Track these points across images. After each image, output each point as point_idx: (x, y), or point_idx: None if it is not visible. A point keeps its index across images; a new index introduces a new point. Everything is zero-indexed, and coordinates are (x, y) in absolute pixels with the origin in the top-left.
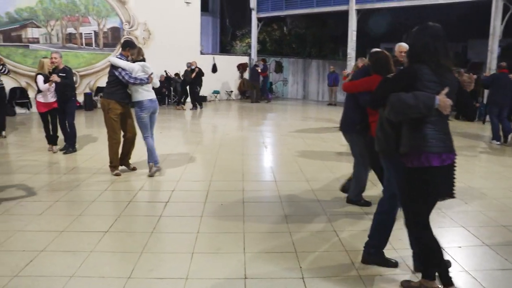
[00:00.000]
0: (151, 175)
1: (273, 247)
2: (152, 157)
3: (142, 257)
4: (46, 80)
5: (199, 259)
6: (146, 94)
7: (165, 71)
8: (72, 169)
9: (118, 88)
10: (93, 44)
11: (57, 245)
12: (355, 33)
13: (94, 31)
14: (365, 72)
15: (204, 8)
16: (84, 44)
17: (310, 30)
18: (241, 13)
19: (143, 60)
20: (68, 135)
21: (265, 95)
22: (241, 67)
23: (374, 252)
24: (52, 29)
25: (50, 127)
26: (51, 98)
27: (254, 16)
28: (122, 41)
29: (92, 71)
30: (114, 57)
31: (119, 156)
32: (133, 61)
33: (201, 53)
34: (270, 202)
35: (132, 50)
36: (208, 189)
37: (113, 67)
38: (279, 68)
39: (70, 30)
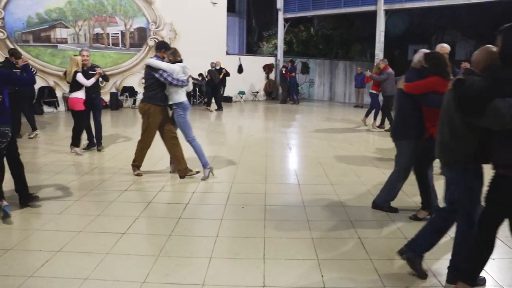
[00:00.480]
0: (204, 179)
1: (294, 254)
2: (202, 159)
3: (158, 261)
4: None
5: (217, 265)
6: (184, 95)
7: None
8: (94, 168)
9: (158, 91)
10: (120, 44)
11: (74, 246)
12: (383, 34)
13: (121, 31)
14: (419, 73)
15: (231, 8)
16: (111, 44)
17: (337, 31)
18: (268, 13)
19: (181, 61)
20: (97, 132)
21: (291, 96)
22: (267, 68)
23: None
24: (80, 29)
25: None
26: (84, 96)
27: (280, 16)
28: (156, 43)
29: (118, 71)
30: (152, 59)
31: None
32: (172, 62)
33: (227, 53)
34: (292, 206)
35: (167, 51)
36: (230, 191)
37: (152, 69)
38: (305, 69)
39: (97, 30)
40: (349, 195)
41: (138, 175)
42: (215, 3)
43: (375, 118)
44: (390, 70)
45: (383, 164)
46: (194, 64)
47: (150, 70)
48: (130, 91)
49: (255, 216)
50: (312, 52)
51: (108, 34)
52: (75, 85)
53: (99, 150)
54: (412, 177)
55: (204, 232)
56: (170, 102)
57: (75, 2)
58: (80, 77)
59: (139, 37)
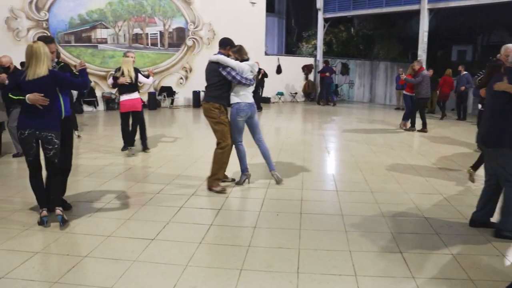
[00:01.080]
0: (239, 184)
1: (329, 268)
2: (243, 165)
3: (186, 271)
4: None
5: (248, 277)
6: (245, 96)
7: None
8: (129, 169)
9: (224, 90)
10: (158, 44)
11: (101, 252)
12: (426, 34)
13: (160, 32)
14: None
15: (270, 8)
16: (149, 44)
17: (378, 31)
18: (307, 13)
19: (248, 59)
20: (133, 136)
21: (330, 97)
22: (306, 69)
23: None
24: (119, 30)
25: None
26: (137, 96)
27: (320, 16)
28: (220, 40)
29: (156, 71)
30: (220, 55)
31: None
32: (239, 61)
33: (266, 54)
34: (329, 214)
35: (233, 49)
36: (264, 196)
37: (219, 65)
38: (345, 70)
39: (137, 30)
40: (390, 204)
41: (222, 191)
42: (254, 3)
43: (405, 119)
44: (425, 72)
45: (427, 171)
46: None
47: (215, 67)
48: (168, 91)
49: (290, 225)
50: (352, 52)
51: (147, 34)
52: (132, 86)
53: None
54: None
55: (235, 241)
56: (231, 102)
57: (115, 3)
58: (142, 78)
59: (178, 37)
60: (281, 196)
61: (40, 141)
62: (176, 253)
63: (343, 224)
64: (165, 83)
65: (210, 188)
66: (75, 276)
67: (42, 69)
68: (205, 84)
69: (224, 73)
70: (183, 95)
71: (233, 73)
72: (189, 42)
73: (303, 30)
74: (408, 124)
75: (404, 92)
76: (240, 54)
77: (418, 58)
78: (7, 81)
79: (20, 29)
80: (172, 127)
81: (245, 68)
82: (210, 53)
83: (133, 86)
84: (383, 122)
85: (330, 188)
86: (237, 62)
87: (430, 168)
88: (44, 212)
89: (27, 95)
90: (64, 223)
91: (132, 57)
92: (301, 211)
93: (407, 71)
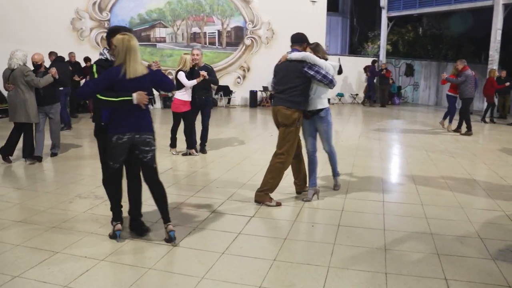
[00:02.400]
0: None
1: None
2: (315, 177)
3: (201, 284)
4: (188, 78)
5: None
6: (326, 100)
7: None
8: (192, 173)
9: (307, 95)
10: (216, 43)
11: (117, 257)
12: (500, 32)
13: (218, 31)
14: None
15: (334, 8)
16: (207, 43)
17: (447, 30)
18: (372, 12)
19: (327, 58)
20: (191, 138)
21: (368, 98)
22: (368, 70)
23: None
24: (178, 29)
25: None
26: (189, 97)
27: (384, 15)
28: (293, 35)
29: (215, 70)
30: (307, 53)
31: (298, 178)
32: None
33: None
34: (370, 228)
35: (311, 45)
36: (302, 205)
37: (303, 65)
38: (410, 72)
39: (195, 29)
40: (441, 220)
41: (277, 204)
42: (315, 1)
43: (450, 121)
44: (469, 71)
45: (490, 184)
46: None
47: (298, 67)
48: (224, 90)
49: (324, 238)
50: (419, 53)
51: (205, 33)
52: (178, 85)
53: (197, 153)
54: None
55: (261, 253)
56: (319, 107)
57: (174, 3)
58: (181, 77)
59: (236, 36)
60: (320, 205)
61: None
62: (194, 263)
63: (384, 240)
64: (222, 82)
65: (260, 202)
66: (86, 281)
67: (141, 66)
68: (263, 84)
69: (311, 72)
70: (240, 94)
71: (323, 72)
72: (247, 41)
73: (369, 30)
74: (446, 123)
75: (448, 92)
76: (321, 52)
77: (490, 59)
78: (57, 76)
79: (84, 29)
80: (227, 127)
81: (331, 68)
82: (269, 52)
83: (177, 85)
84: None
85: (376, 199)
86: (323, 60)
87: (495, 181)
88: (119, 226)
89: (135, 95)
90: (174, 239)
91: (194, 54)
92: (340, 223)
93: (452, 71)
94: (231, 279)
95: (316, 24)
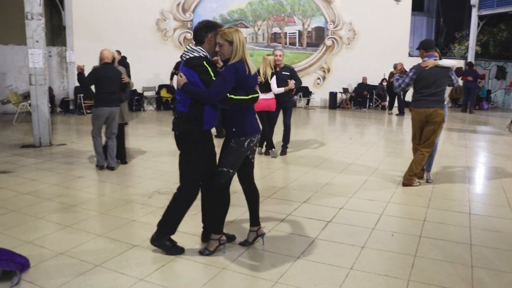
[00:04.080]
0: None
1: None
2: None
3: None
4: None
5: None
6: None
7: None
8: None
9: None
10: (297, 44)
11: (191, 255)
12: None
13: (298, 31)
14: None
15: (419, 7)
16: (288, 44)
17: None
18: (460, 11)
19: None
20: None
21: (470, 104)
22: (460, 72)
23: None
24: (258, 29)
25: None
26: (272, 96)
27: (474, 14)
28: (423, 41)
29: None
30: (452, 61)
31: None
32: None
33: (410, 55)
34: (455, 242)
35: (437, 50)
36: (382, 212)
37: (449, 70)
38: (501, 74)
39: (275, 29)
40: None
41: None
42: (399, 1)
43: None
44: None
45: None
46: (371, 65)
47: (447, 72)
48: (304, 91)
49: (404, 249)
50: None
51: (285, 33)
52: (265, 86)
53: (281, 155)
54: None
55: (337, 260)
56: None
57: (256, 3)
58: (273, 81)
59: (317, 37)
60: (401, 213)
61: None
62: (267, 265)
63: (470, 256)
64: (302, 83)
65: (408, 184)
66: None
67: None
68: (343, 85)
69: (453, 77)
70: (319, 95)
71: (455, 75)
72: (328, 42)
73: (455, 30)
74: None
75: None
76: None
77: None
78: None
79: (168, 29)
80: (306, 128)
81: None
82: (350, 53)
83: (264, 86)
84: None
85: (461, 210)
86: (454, 62)
87: None
88: (224, 237)
89: (260, 94)
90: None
91: (277, 55)
92: (421, 233)
93: None
94: (305, 286)
95: (399, 24)
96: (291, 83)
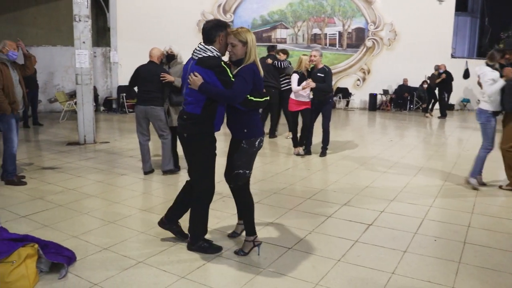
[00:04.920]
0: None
1: None
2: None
3: None
4: (302, 79)
5: None
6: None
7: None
8: (310, 175)
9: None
10: (337, 45)
11: (232, 255)
12: None
13: (339, 32)
14: None
15: (463, 7)
16: (327, 45)
17: None
18: (507, 11)
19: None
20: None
21: None
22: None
23: None
24: (298, 30)
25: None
26: (305, 98)
27: None
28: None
29: (334, 72)
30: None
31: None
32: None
33: (452, 56)
34: (502, 250)
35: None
36: (425, 216)
37: None
38: None
39: (315, 30)
40: None
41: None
42: (442, 1)
43: None
44: None
45: None
46: (412, 66)
47: None
48: (343, 93)
49: (447, 255)
50: None
51: (325, 34)
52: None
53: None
54: None
55: (378, 264)
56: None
57: (296, 4)
58: (293, 80)
59: (357, 38)
60: (445, 218)
61: None
62: (308, 268)
63: None
64: (341, 84)
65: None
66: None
67: None
68: (383, 87)
69: None
70: (358, 97)
71: None
72: (368, 43)
73: (501, 30)
74: None
75: None
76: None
77: None
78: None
79: None
80: (345, 130)
81: None
82: (390, 54)
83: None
84: None
85: (509, 216)
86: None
87: None
88: (258, 239)
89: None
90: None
91: (312, 56)
92: (466, 240)
93: None
94: None
95: (442, 25)
96: (308, 82)
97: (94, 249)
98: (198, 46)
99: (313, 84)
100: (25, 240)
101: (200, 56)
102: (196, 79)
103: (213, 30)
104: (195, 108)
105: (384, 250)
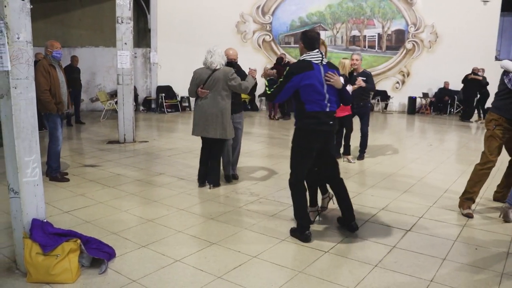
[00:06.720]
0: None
1: None
2: None
3: None
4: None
5: None
6: None
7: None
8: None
9: (509, 102)
10: (376, 47)
11: (269, 256)
12: None
13: (378, 34)
14: None
15: (509, 7)
16: (367, 47)
17: None
18: None
19: None
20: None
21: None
22: None
23: None
24: (337, 32)
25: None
26: None
27: None
28: None
29: (372, 74)
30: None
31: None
32: None
33: (496, 58)
34: None
35: None
36: (465, 224)
37: (504, 73)
38: None
39: (354, 32)
40: None
41: (468, 215)
42: (487, 1)
43: None
44: None
45: None
46: (456, 70)
47: (502, 74)
48: (382, 95)
49: (488, 264)
50: None
51: (364, 36)
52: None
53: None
54: None
55: (416, 271)
56: None
57: (335, 6)
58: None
59: (397, 40)
60: (486, 226)
61: None
62: (345, 273)
63: None
64: (380, 87)
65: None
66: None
67: None
68: (423, 90)
69: (506, 80)
70: (397, 100)
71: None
72: (408, 45)
73: None
74: None
75: None
76: None
77: None
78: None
79: (247, 31)
80: (382, 132)
81: None
82: (431, 57)
83: None
84: None
85: None
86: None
87: None
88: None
89: None
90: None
91: (354, 59)
92: (509, 250)
93: None
94: None
95: (486, 26)
96: (359, 81)
97: (133, 246)
98: (320, 52)
99: (363, 83)
100: (68, 235)
101: (325, 60)
102: (339, 79)
103: (317, 40)
104: (336, 106)
105: (422, 257)
